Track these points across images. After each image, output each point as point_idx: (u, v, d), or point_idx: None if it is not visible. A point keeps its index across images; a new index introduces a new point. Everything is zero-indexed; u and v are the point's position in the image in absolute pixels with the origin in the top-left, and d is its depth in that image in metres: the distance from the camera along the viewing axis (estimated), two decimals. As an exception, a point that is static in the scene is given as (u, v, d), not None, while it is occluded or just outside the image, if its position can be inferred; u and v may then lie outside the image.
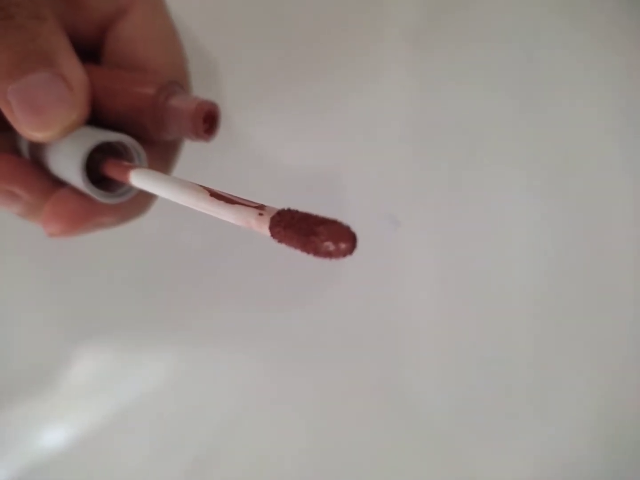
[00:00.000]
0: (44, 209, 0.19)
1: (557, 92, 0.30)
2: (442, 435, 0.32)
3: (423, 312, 0.32)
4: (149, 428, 0.33)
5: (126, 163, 0.17)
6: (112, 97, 0.19)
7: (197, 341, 0.33)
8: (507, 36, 0.30)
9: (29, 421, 0.32)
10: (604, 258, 0.31)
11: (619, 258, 0.30)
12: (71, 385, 0.32)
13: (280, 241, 0.12)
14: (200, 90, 0.24)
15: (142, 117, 0.19)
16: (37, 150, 0.19)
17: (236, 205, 0.13)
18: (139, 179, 0.16)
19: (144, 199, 0.20)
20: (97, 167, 0.18)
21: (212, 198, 0.13)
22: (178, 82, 0.20)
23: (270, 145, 0.32)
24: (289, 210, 0.12)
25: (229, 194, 0.13)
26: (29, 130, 0.17)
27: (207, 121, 0.19)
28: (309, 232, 0.11)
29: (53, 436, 0.32)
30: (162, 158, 0.21)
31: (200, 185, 0.14)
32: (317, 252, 0.11)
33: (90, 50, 0.21)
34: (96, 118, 0.19)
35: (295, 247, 0.11)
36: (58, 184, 0.19)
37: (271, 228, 0.12)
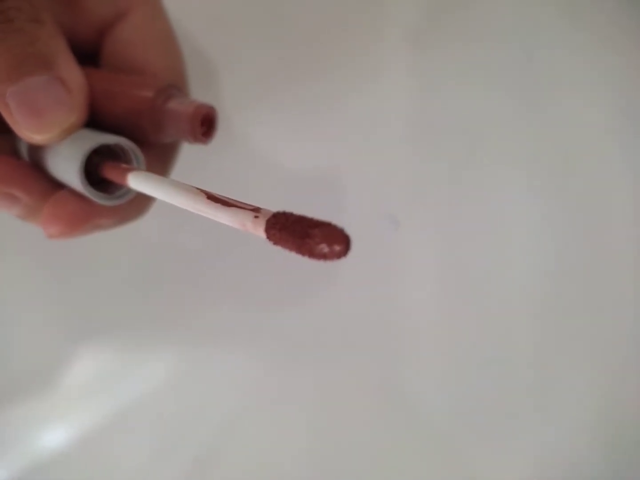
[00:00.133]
0: (43, 211, 0.19)
1: (557, 92, 0.30)
2: (442, 435, 0.33)
3: (423, 312, 0.32)
4: (149, 428, 0.33)
5: (124, 165, 0.17)
6: (111, 99, 0.19)
7: (197, 341, 0.33)
8: (507, 36, 0.30)
9: (29, 421, 0.32)
10: (604, 258, 0.31)
11: (619, 258, 0.30)
12: (71, 385, 0.32)
13: (275, 243, 0.12)
14: (200, 90, 0.24)
15: (141, 120, 0.19)
16: (36, 153, 0.19)
17: (232, 208, 0.13)
18: (137, 182, 0.16)
19: (143, 201, 0.21)
20: (95, 169, 0.18)
21: (209, 201, 0.13)
22: (176, 85, 0.20)
23: (270, 145, 0.32)
24: (284, 212, 0.12)
25: (226, 197, 0.13)
26: (28, 132, 0.17)
27: (205, 124, 0.19)
28: (304, 234, 0.11)
29: (53, 436, 0.32)
30: (160, 160, 0.22)
31: (197, 188, 0.14)
32: (312, 254, 0.11)
33: (89, 53, 0.21)
34: (95, 120, 0.19)
35: (291, 249, 0.11)
36: (57, 186, 0.19)
37: (267, 230, 0.12)
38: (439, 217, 0.32)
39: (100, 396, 0.33)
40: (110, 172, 0.17)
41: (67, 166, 0.18)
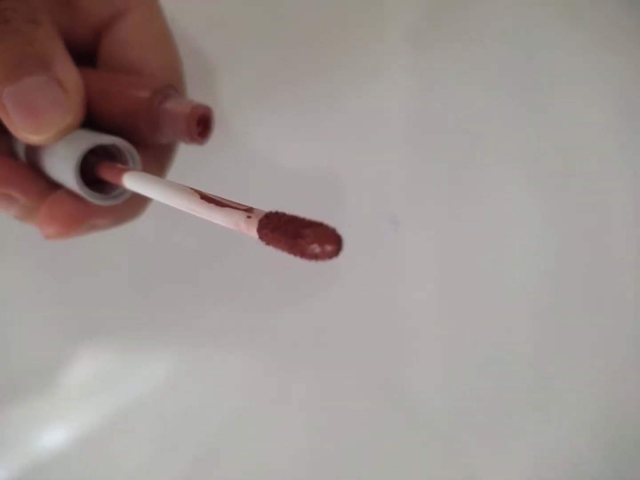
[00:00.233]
0: (39, 212, 0.19)
1: (557, 92, 0.30)
2: (442, 435, 0.33)
3: (423, 312, 0.32)
4: (149, 428, 0.33)
5: (120, 166, 0.17)
6: (108, 100, 0.19)
7: (197, 341, 0.33)
8: (507, 36, 0.30)
9: (29, 421, 0.32)
10: (604, 258, 0.31)
11: (619, 258, 0.30)
12: (71, 385, 0.32)
13: (268, 244, 0.12)
14: (200, 90, 0.24)
15: (137, 120, 0.19)
16: (33, 153, 0.19)
17: (225, 208, 0.13)
18: (132, 182, 0.16)
19: (139, 201, 0.21)
20: (92, 169, 0.18)
21: (202, 201, 0.13)
22: (173, 85, 0.20)
23: (270, 145, 0.32)
24: (276, 213, 0.12)
25: (219, 197, 0.13)
26: (24, 133, 0.17)
27: (201, 124, 0.19)
28: (296, 234, 0.11)
29: (53, 436, 0.32)
30: (157, 161, 0.22)
31: (191, 188, 0.14)
32: (304, 254, 0.11)
33: (86, 53, 0.21)
34: (92, 121, 0.19)
35: (283, 249, 0.11)
36: (54, 186, 0.19)
37: (259, 230, 0.12)
38: (439, 217, 0.32)
39: (100, 396, 0.33)
40: (105, 173, 0.17)
41: (63, 166, 0.18)
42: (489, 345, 0.32)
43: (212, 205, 0.13)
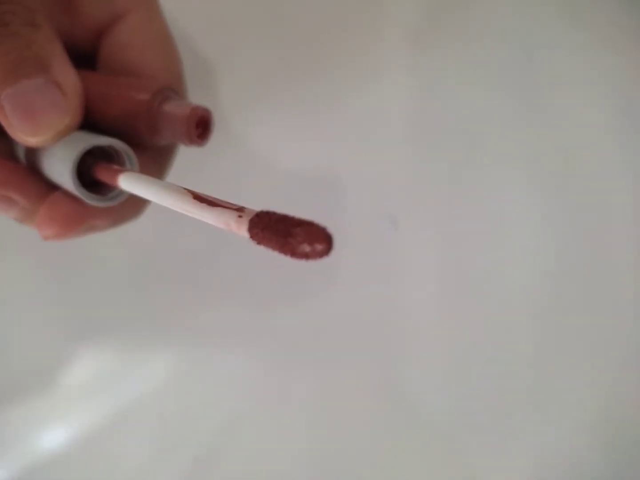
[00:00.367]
0: (38, 213, 0.19)
1: (557, 92, 0.30)
2: (442, 435, 0.33)
3: (423, 312, 0.32)
4: (149, 428, 0.33)
5: (116, 167, 0.17)
6: (107, 102, 0.19)
7: (197, 341, 0.33)
8: (507, 36, 0.30)
9: (29, 421, 0.32)
10: (604, 258, 0.31)
11: (619, 258, 0.30)
12: (71, 385, 0.32)
13: (259, 243, 0.12)
14: (200, 90, 0.24)
15: (137, 122, 0.19)
16: (32, 155, 0.19)
17: (217, 208, 0.13)
18: (127, 183, 0.16)
19: (138, 203, 0.21)
20: (90, 171, 0.18)
21: (195, 201, 0.13)
22: (172, 87, 0.20)
23: (269, 145, 0.32)
24: (267, 212, 0.12)
25: (211, 197, 0.13)
26: (22, 135, 0.17)
27: (200, 126, 0.19)
28: (286, 233, 0.11)
29: (53, 436, 0.32)
30: (156, 162, 0.22)
31: (185, 189, 0.14)
32: (294, 253, 0.11)
33: (86, 55, 0.21)
34: (92, 123, 0.19)
35: (274, 248, 0.11)
36: (53, 188, 0.19)
37: (250, 230, 0.12)
38: (439, 217, 0.32)
39: (100, 396, 0.33)
40: (102, 174, 0.17)
41: (61, 168, 0.18)
42: (489, 345, 0.32)
43: (204, 205, 0.13)
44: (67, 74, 0.18)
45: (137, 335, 0.33)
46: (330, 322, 0.33)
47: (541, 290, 0.31)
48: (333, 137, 0.31)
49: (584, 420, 0.31)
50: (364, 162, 0.31)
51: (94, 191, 0.18)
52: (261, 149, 0.31)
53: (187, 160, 0.24)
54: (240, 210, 0.12)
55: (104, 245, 0.30)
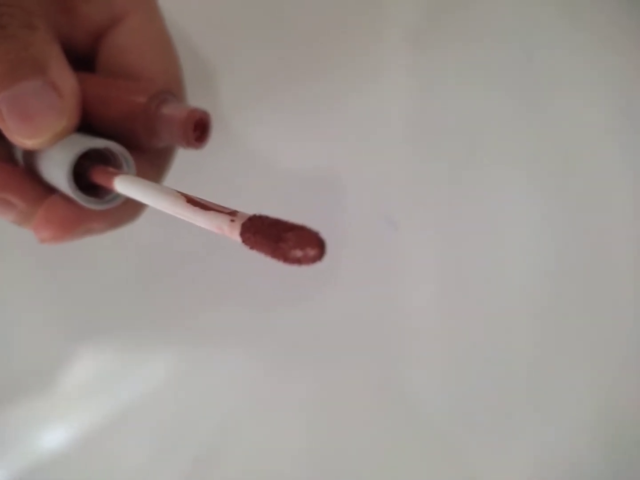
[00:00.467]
0: (36, 216, 0.19)
1: (557, 92, 0.30)
2: (442, 435, 0.33)
3: (423, 312, 0.32)
4: (149, 428, 0.33)
5: (111, 169, 0.17)
6: (105, 104, 0.19)
7: (197, 341, 0.33)
8: (507, 36, 0.30)
9: (29, 421, 0.32)
10: (604, 258, 0.31)
11: (619, 258, 0.30)
12: (71, 385, 0.32)
13: (251, 248, 0.12)
14: (200, 90, 0.24)
15: (135, 125, 0.19)
16: (30, 158, 0.19)
17: (210, 212, 0.13)
18: (123, 185, 0.16)
19: (135, 205, 0.21)
20: (87, 174, 0.18)
21: (188, 204, 0.13)
22: (170, 90, 0.20)
23: (269, 145, 0.32)
24: (259, 216, 0.12)
25: (205, 200, 0.13)
26: (19, 137, 0.17)
27: (198, 129, 0.19)
28: (278, 238, 0.11)
29: (53, 436, 0.32)
30: (154, 165, 0.22)
31: (178, 192, 0.14)
32: (286, 258, 0.11)
33: (85, 58, 0.21)
34: (90, 125, 0.19)
35: (266, 253, 0.11)
36: (52, 191, 0.19)
37: (242, 234, 0.12)
38: (438, 217, 0.32)
39: (100, 396, 0.33)
40: (98, 176, 0.17)
41: (57, 170, 0.18)
42: (489, 346, 0.32)
43: (197, 208, 0.13)
44: (64, 76, 0.18)
45: (137, 335, 0.33)
46: (330, 322, 0.33)
47: (541, 290, 0.31)
48: (333, 137, 0.31)
49: (584, 420, 0.31)
50: (364, 162, 0.31)
51: (92, 194, 0.18)
52: (261, 149, 0.31)
53: (187, 160, 0.24)
54: (232, 214, 0.12)
55: (104, 244, 0.30)
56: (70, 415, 0.32)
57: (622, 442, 0.31)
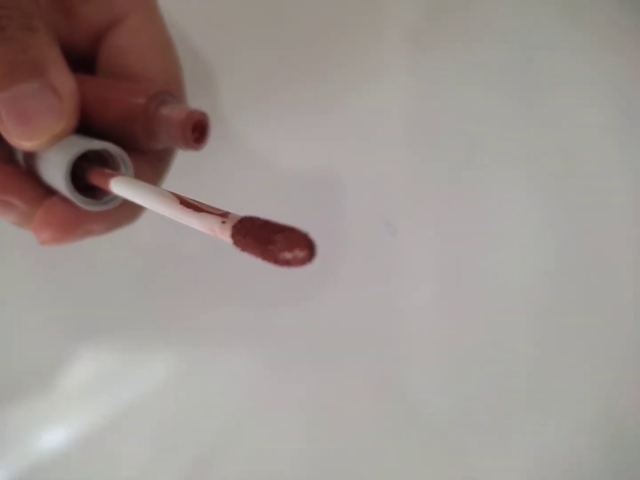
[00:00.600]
0: (35, 217, 0.19)
1: (557, 92, 0.30)
2: (442, 435, 0.33)
3: (423, 313, 0.32)
4: (149, 428, 0.33)
5: (108, 171, 0.17)
6: (105, 106, 0.19)
7: (197, 341, 0.33)
8: (507, 36, 0.30)
9: (29, 421, 0.32)
10: (604, 258, 0.31)
11: (619, 258, 0.30)
12: (71, 385, 0.32)
13: (243, 249, 0.11)
14: (199, 90, 0.24)
15: (133, 126, 0.19)
16: (30, 160, 0.19)
17: (202, 213, 0.13)
18: (119, 187, 0.16)
19: (133, 207, 0.20)
20: (85, 175, 0.18)
21: (182, 206, 0.13)
22: (169, 91, 0.20)
23: (269, 145, 0.32)
24: (250, 217, 0.12)
25: (198, 202, 0.13)
26: (18, 139, 0.17)
27: (197, 130, 0.19)
28: (267, 240, 0.11)
29: (53, 436, 0.32)
30: (153, 166, 0.22)
31: (173, 193, 0.14)
32: (276, 260, 0.11)
33: (85, 59, 0.21)
34: (89, 127, 0.19)
35: (256, 255, 0.11)
36: (52, 193, 0.19)
37: (233, 236, 0.12)
38: (438, 218, 0.32)
39: (100, 396, 0.33)
40: (95, 178, 0.17)
41: (55, 172, 0.18)
42: (489, 345, 0.32)
43: (190, 210, 0.13)
44: (63, 78, 0.17)
45: (137, 335, 0.33)
46: (331, 322, 0.33)
47: (541, 290, 0.31)
48: (333, 137, 0.31)
49: (584, 420, 0.31)
50: (364, 162, 0.31)
51: (91, 195, 0.18)
52: (261, 149, 0.31)
53: (187, 160, 0.24)
54: (224, 215, 0.12)
55: (105, 244, 0.30)
56: (70, 415, 0.32)
57: (622, 442, 0.31)
